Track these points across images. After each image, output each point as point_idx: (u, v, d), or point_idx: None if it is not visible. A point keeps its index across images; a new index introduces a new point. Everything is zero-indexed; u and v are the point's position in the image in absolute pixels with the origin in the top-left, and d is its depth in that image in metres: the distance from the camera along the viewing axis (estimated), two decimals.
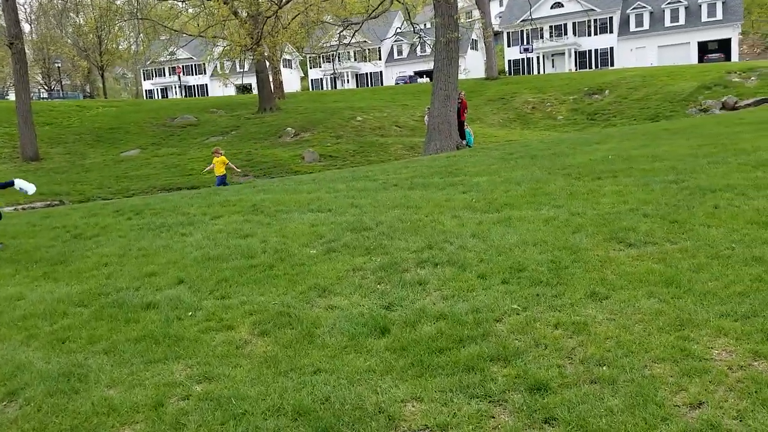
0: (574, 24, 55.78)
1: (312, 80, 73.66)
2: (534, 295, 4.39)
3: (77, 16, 48.86)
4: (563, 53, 56.29)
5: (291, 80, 71.08)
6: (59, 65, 68.53)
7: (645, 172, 8.26)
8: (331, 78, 69.14)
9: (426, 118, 19.04)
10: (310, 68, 73.26)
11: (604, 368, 3.26)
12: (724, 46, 51.66)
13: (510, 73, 57.04)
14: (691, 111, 26.40)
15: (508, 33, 58.96)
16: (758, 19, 68.73)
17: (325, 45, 33.44)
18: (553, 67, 57.48)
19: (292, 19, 34.26)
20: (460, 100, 18.64)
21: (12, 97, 39.24)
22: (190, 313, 4.97)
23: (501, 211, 7.08)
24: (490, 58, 43.81)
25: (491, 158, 11.94)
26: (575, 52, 55.92)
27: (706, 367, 3.16)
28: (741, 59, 53.19)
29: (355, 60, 68.57)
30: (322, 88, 70.21)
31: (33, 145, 26.55)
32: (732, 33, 51.83)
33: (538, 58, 57.38)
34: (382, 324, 4.19)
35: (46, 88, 71.92)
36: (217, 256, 6.66)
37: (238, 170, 17.17)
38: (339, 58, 29.52)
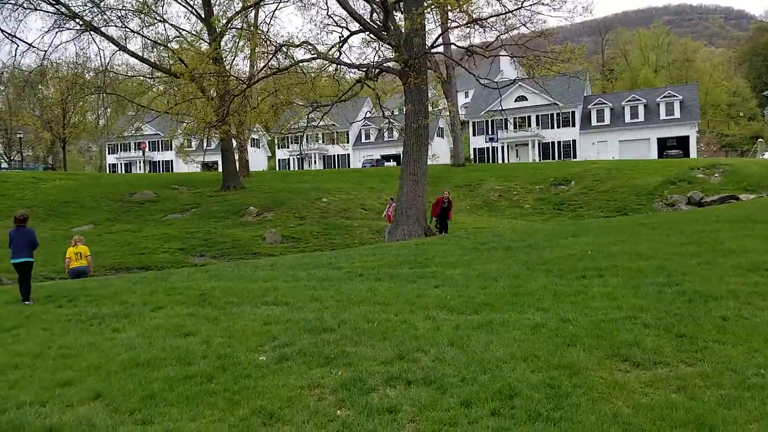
0: (537, 116, 58.12)
1: (279, 160, 73.95)
2: None
3: (43, 89, 48.36)
4: (527, 144, 58.22)
5: (258, 159, 71.21)
6: (21, 136, 67.15)
7: (632, 271, 7.68)
8: (298, 159, 69.55)
9: (388, 208, 18.87)
10: (278, 148, 73.75)
11: None
12: (682, 143, 54.28)
13: (476, 161, 58.42)
14: (658, 205, 26.79)
15: (474, 122, 60.99)
16: (713, 118, 73.51)
17: (293, 126, 33.48)
18: (517, 156, 59.22)
19: (261, 100, 34.45)
20: (447, 200, 18.67)
21: None
22: None
23: (480, 313, 6.30)
24: (456, 146, 44.75)
25: (463, 248, 11.30)
26: (539, 143, 57.88)
27: None
28: (699, 155, 55.90)
29: (323, 142, 69.45)
30: (289, 168, 70.39)
31: None
32: (690, 131, 54.63)
33: (502, 147, 59.13)
34: None
35: (6, 158, 70.04)
36: (148, 360, 5.63)
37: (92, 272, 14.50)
38: (307, 139, 29.60)
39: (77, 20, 29.09)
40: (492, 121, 57.87)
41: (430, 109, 21.81)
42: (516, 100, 57.78)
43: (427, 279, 8.50)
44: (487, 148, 60.08)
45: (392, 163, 60.35)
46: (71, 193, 33.90)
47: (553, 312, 5.98)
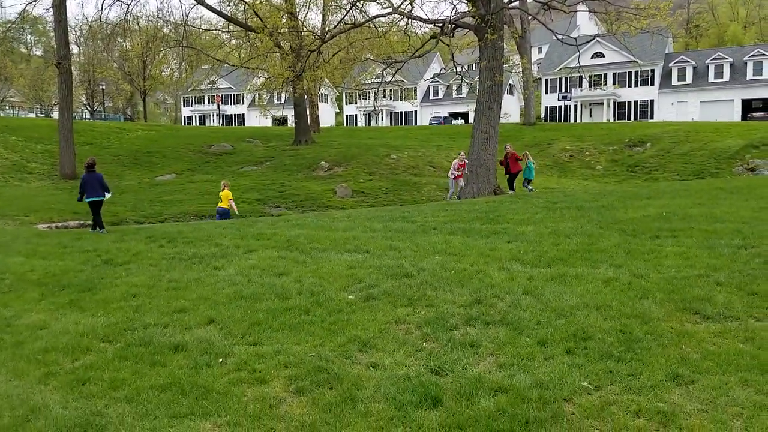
0: (614, 74, 55.41)
1: (347, 116, 74.58)
2: (606, 372, 3.89)
3: (124, 42, 50.71)
4: (601, 103, 55.88)
5: (327, 115, 72.11)
6: (103, 87, 70.96)
7: (707, 233, 7.71)
8: (365, 115, 69.91)
9: (452, 167, 18.43)
10: (346, 104, 74.29)
11: None
12: None
13: (546, 120, 56.77)
14: (738, 170, 25.53)
15: (546, 80, 58.94)
16: None
17: (363, 82, 33.70)
18: (590, 116, 57.03)
19: (333, 54, 34.78)
20: (509, 154, 17.66)
21: (55, 115, 40.38)
22: (221, 360, 4.59)
23: (553, 267, 6.61)
24: (528, 104, 43.67)
25: (534, 206, 11.48)
26: (614, 102, 55.41)
27: None
28: None
29: (391, 98, 69.33)
30: (356, 124, 70.96)
31: (72, 163, 26.98)
32: None
33: (575, 106, 57.03)
34: (433, 393, 3.74)
35: (89, 108, 74.33)
36: (250, 294, 6.32)
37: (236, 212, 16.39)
38: (376, 95, 29.72)
39: None
40: (566, 78, 55.53)
41: (505, 65, 21.49)
42: (592, 57, 55.19)
43: (499, 234, 8.81)
44: (560, 107, 58.07)
45: (460, 121, 59.64)
46: (153, 143, 35.85)
47: (626, 268, 6.22)
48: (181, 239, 10.25)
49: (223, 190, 15.44)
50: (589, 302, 5.19)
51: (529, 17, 29.04)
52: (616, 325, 4.62)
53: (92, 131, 37.30)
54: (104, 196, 12.26)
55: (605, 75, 55.78)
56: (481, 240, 8.50)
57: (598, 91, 55.63)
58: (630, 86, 55.17)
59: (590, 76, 50.72)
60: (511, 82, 63.44)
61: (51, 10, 27.89)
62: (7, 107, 72.94)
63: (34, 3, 42.86)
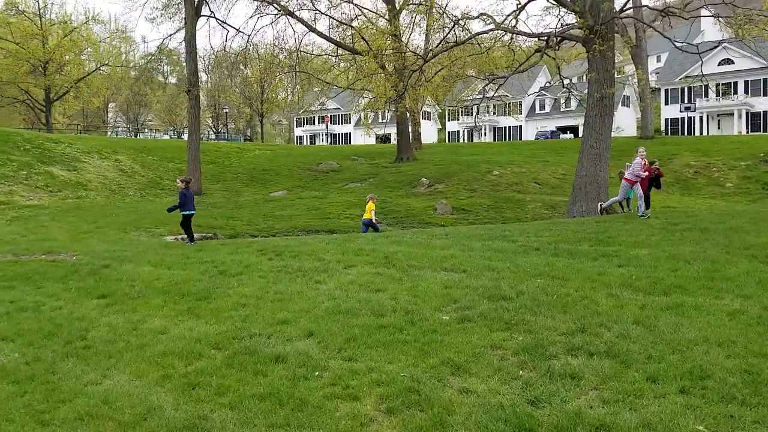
0: (746, 82, 50.54)
1: (449, 132, 74.53)
2: (726, 416, 3.49)
3: (245, 68, 54.81)
4: (732, 114, 51.25)
5: (429, 132, 72.55)
6: (227, 111, 76.83)
7: None
8: (468, 131, 69.43)
9: (633, 166, 15.00)
10: (448, 120, 74.28)
11: None
12: None
13: (667, 133, 53.03)
14: None
15: (666, 90, 55.09)
16: None
17: (465, 98, 33.58)
18: (718, 128, 52.44)
19: (436, 73, 34.99)
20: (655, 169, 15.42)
21: (185, 137, 44.26)
22: (317, 373, 4.70)
23: (669, 295, 6.08)
24: (645, 116, 41.05)
25: (650, 227, 10.69)
26: (746, 113, 50.50)
27: None
28: None
29: (494, 113, 68.33)
30: (458, 141, 70.64)
31: (197, 180, 29.38)
32: None
33: (700, 117, 52.72)
34: (528, 425, 3.56)
35: (215, 130, 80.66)
36: (347, 309, 6.44)
37: (377, 221, 17.36)
38: (478, 111, 29.36)
39: (275, 5, 32.19)
40: (688, 87, 51.56)
41: (616, 76, 20.42)
42: (720, 64, 50.87)
43: (609, 257, 8.28)
44: (682, 119, 54.00)
45: (569, 135, 57.39)
46: (268, 162, 38.08)
47: (756, 300, 5.57)
48: (288, 253, 10.69)
49: (368, 203, 16.32)
50: (710, 337, 4.70)
51: (644, 26, 27.39)
52: (741, 363, 4.13)
53: (216, 151, 40.34)
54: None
55: (735, 83, 51.12)
56: (589, 263, 8.04)
57: (727, 101, 51.04)
58: (765, 95, 50.12)
59: (717, 85, 46.68)
60: (626, 93, 60.17)
61: (183, 43, 30.79)
62: (146, 130, 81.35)
63: (169, 37, 47.58)
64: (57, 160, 29.06)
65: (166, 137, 71.34)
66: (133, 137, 67.72)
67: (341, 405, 4.11)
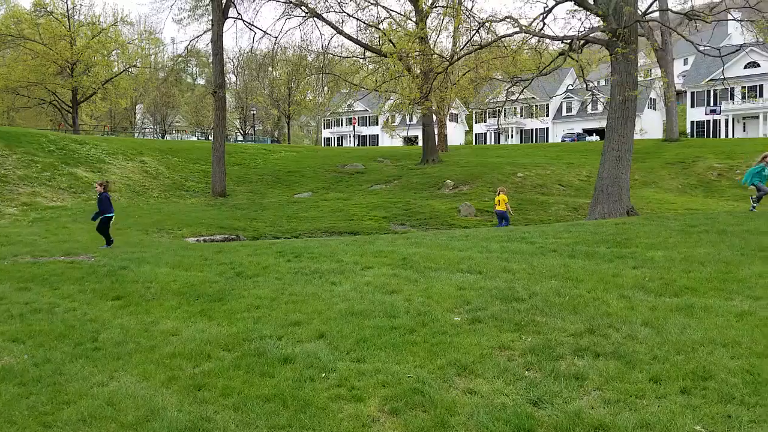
0: None
1: (476, 134, 74.21)
2: (723, 416, 3.50)
3: (273, 70, 55.42)
4: (757, 116, 49.95)
5: (455, 134, 72.33)
6: (254, 112, 77.86)
7: None
8: (494, 133, 69.06)
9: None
10: (475, 122, 73.99)
11: None
12: None
13: (692, 136, 51.95)
14: None
15: (692, 93, 54.02)
16: None
17: (492, 100, 33.48)
18: (744, 131, 51.18)
19: (462, 75, 34.97)
20: None
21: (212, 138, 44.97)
22: (324, 375, 4.79)
23: (680, 296, 6.05)
24: (670, 119, 40.32)
25: (669, 229, 10.57)
26: None
27: None
28: None
29: (521, 116, 67.82)
30: (485, 143, 70.30)
31: (222, 182, 29.87)
32: None
33: (726, 120, 51.54)
34: (527, 426, 3.62)
35: (242, 132, 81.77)
36: (360, 311, 6.53)
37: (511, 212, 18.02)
38: (505, 113, 29.28)
39: (303, 8, 32.55)
40: (714, 90, 50.50)
41: (640, 79, 20.16)
42: (746, 67, 49.70)
43: (625, 259, 8.24)
44: (707, 122, 52.90)
45: (595, 138, 56.65)
46: (294, 163, 38.41)
47: (766, 301, 5.52)
48: (307, 254, 10.83)
49: (499, 195, 17.16)
50: (716, 337, 4.69)
51: (669, 29, 26.93)
52: (744, 364, 4.13)
53: (242, 152, 40.70)
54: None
55: (761, 86, 49.86)
56: (604, 265, 8.02)
57: (753, 104, 49.84)
58: None
59: (743, 88, 45.59)
60: (652, 95, 59.17)
61: (210, 44, 31.33)
62: (174, 131, 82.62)
63: (197, 39, 48.50)
64: (81, 161, 29.44)
65: (193, 139, 72.06)
66: (160, 138, 68.73)
67: (345, 406, 4.15)
